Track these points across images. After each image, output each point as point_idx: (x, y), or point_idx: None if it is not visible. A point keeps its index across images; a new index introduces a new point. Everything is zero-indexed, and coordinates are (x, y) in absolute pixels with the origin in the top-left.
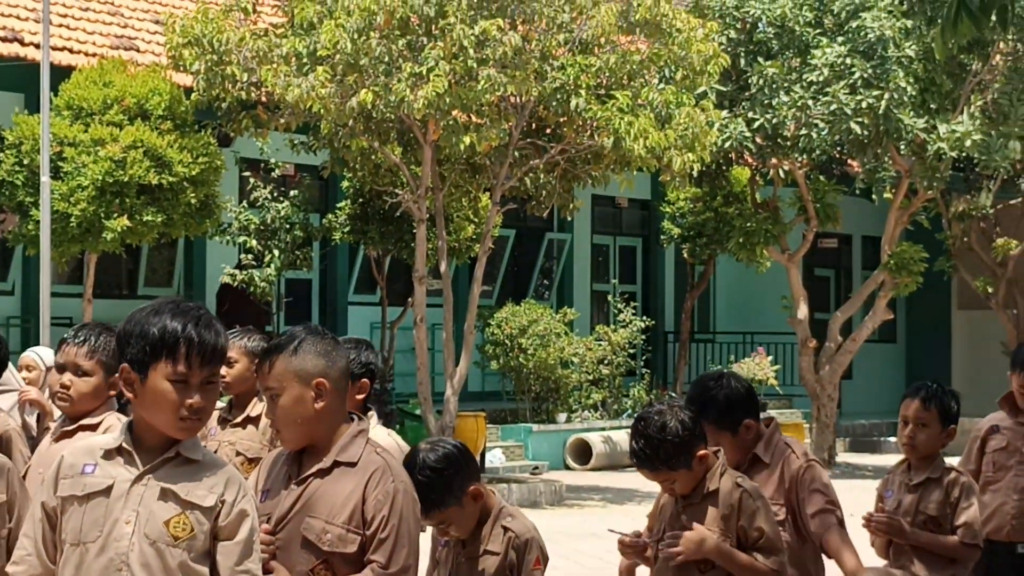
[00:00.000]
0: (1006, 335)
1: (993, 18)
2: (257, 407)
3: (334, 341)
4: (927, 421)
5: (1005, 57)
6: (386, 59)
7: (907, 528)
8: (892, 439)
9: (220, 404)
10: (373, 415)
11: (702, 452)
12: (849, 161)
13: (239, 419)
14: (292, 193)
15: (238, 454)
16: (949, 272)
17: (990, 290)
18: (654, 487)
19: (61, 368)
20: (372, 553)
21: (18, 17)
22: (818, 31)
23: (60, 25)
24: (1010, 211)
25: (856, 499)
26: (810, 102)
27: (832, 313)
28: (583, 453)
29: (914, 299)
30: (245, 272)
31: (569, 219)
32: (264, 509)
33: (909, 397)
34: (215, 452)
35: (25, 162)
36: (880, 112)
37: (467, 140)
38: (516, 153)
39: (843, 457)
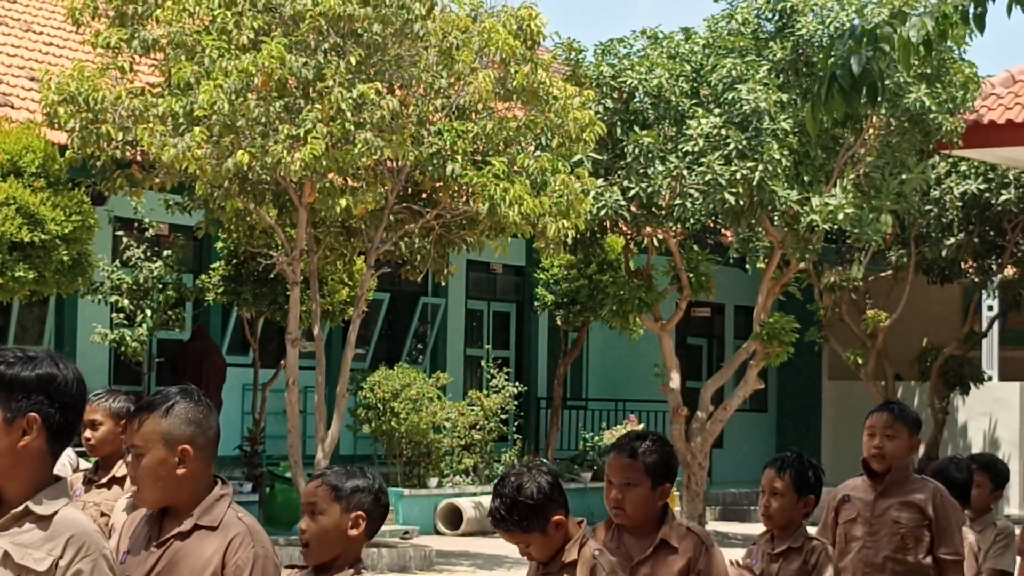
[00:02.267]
0: (875, 406)
1: (864, 94)
2: (122, 468)
3: (207, 408)
4: (781, 491)
5: (877, 131)
6: (263, 121)
7: None
8: None
9: (86, 464)
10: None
11: (558, 518)
12: (723, 231)
13: (104, 480)
14: (166, 253)
15: (103, 515)
16: (820, 343)
17: (860, 361)
18: None
19: None
20: None
21: None
22: (694, 102)
23: None
24: (881, 283)
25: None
26: (685, 172)
27: (704, 382)
28: (454, 518)
29: (785, 369)
30: (116, 332)
31: (444, 284)
32: (124, 571)
33: (767, 467)
34: None
35: None
36: (754, 183)
37: (343, 203)
38: (392, 217)
39: (713, 525)
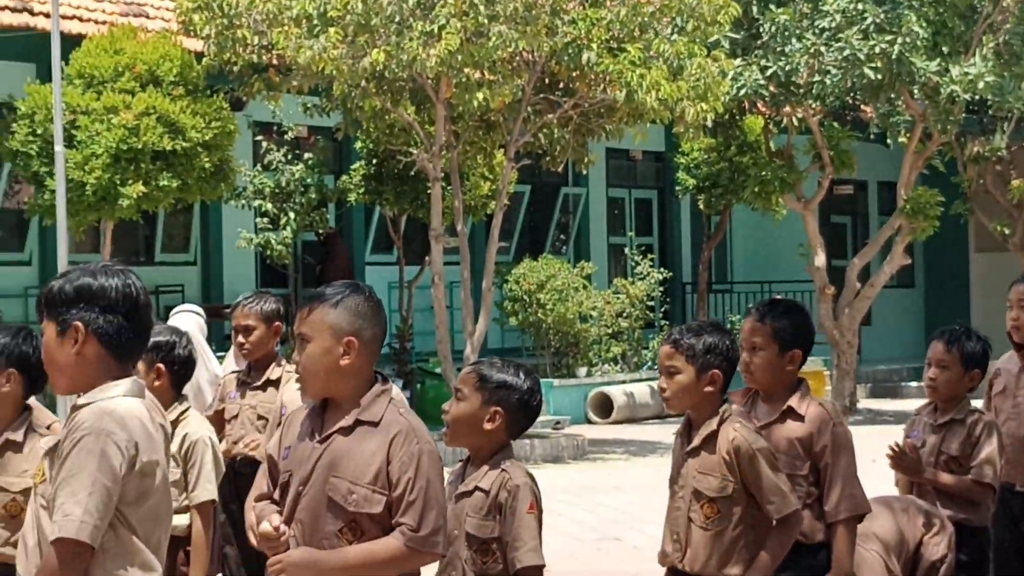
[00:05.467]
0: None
1: None
2: (276, 371)
3: (377, 305)
4: (948, 363)
5: None
6: (397, 18)
7: (921, 466)
8: (913, 384)
9: (234, 368)
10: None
11: (715, 373)
12: (862, 107)
13: (259, 383)
14: (306, 155)
15: (260, 417)
16: (965, 215)
17: (1007, 232)
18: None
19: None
20: (401, 516)
21: None
22: None
23: None
24: None
25: (877, 444)
26: (823, 48)
27: (849, 260)
28: (604, 407)
29: (931, 243)
30: (261, 236)
31: (584, 173)
32: (286, 467)
33: (934, 339)
34: (236, 416)
35: (39, 132)
36: (893, 57)
37: (480, 97)
38: (529, 109)
39: (864, 403)
